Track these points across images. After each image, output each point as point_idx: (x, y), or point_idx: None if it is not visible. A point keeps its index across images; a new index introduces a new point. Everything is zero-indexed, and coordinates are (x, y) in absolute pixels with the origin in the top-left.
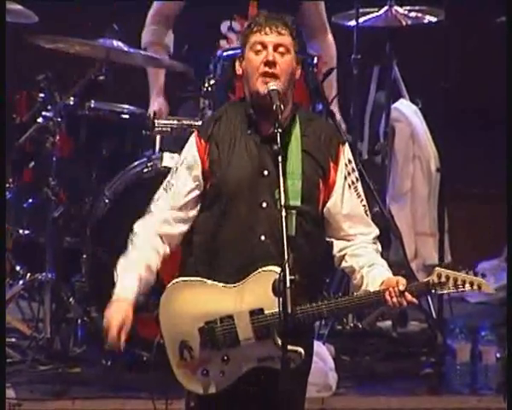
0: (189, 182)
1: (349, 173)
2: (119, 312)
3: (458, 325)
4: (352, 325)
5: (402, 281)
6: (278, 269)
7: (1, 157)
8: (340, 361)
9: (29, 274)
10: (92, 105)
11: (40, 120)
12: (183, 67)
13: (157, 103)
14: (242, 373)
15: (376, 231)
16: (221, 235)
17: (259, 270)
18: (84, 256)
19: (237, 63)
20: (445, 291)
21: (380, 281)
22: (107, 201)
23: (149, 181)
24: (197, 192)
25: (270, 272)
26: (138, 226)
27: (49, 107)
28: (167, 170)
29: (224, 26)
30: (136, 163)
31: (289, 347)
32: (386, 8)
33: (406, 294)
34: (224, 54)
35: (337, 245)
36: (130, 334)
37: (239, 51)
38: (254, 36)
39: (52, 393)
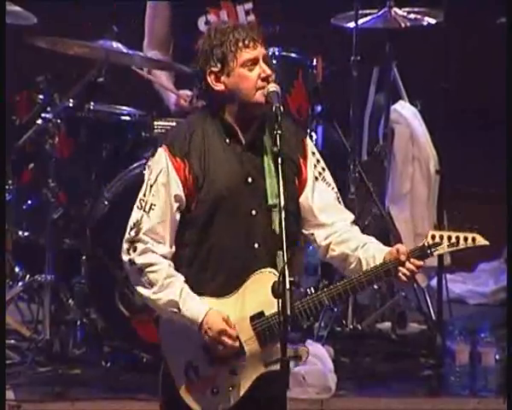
0: (172, 201)
1: (315, 165)
2: (216, 321)
3: (457, 327)
4: (351, 326)
5: (402, 249)
6: (274, 271)
7: (1, 158)
8: (340, 363)
9: (28, 276)
10: (92, 107)
11: (40, 121)
12: (183, 68)
13: (177, 95)
14: (252, 382)
15: (352, 216)
16: (211, 247)
17: (256, 273)
18: (84, 258)
19: (212, 77)
20: (442, 251)
21: (380, 256)
22: (106, 202)
23: None
24: (179, 210)
25: (267, 274)
26: (146, 259)
27: (48, 108)
28: None
29: (200, 23)
30: (135, 164)
31: (291, 349)
32: (385, 9)
33: (411, 260)
34: None
35: (319, 235)
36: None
37: None
38: (244, 53)
39: (52, 394)
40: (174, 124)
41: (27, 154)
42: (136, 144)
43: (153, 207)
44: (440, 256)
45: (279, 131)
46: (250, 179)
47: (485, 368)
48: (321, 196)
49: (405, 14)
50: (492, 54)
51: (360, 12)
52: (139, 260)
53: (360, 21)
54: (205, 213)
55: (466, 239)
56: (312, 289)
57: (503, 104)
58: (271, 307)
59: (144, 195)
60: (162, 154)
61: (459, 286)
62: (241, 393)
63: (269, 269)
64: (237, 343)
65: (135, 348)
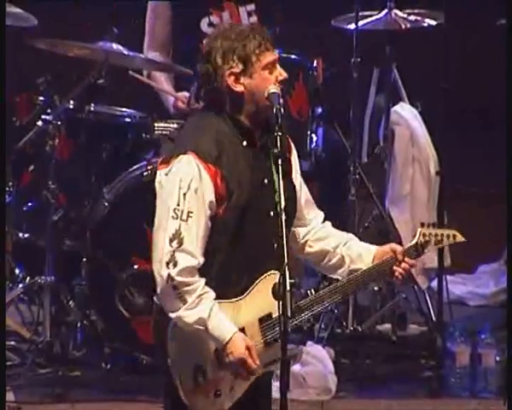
0: (206, 208)
1: (296, 162)
2: (239, 347)
3: (458, 329)
4: (351, 328)
5: (398, 249)
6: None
7: (1, 160)
8: (340, 364)
9: (29, 277)
10: (92, 108)
11: (40, 123)
12: (183, 70)
13: (175, 97)
14: (251, 383)
15: (322, 214)
16: (237, 252)
17: (264, 275)
18: (84, 259)
19: (232, 78)
20: (431, 249)
21: (368, 255)
22: (106, 204)
23: (149, 184)
24: (210, 217)
25: (275, 275)
26: (185, 278)
27: (48, 110)
28: None
29: (203, 24)
30: (135, 166)
31: (290, 348)
32: (385, 11)
33: (406, 260)
34: None
35: (298, 233)
36: (131, 337)
37: None
38: (266, 55)
39: (52, 396)
40: (175, 125)
41: (27, 155)
42: (136, 146)
43: (190, 215)
44: (441, 258)
45: (279, 133)
46: (266, 181)
47: (486, 369)
48: (305, 192)
49: (406, 15)
50: (492, 55)
51: (360, 14)
52: (178, 278)
53: (360, 23)
54: (234, 219)
55: (448, 237)
56: (313, 290)
57: (503, 104)
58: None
59: (178, 204)
60: (192, 160)
61: (459, 288)
62: (240, 394)
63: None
64: (253, 376)
65: (135, 350)
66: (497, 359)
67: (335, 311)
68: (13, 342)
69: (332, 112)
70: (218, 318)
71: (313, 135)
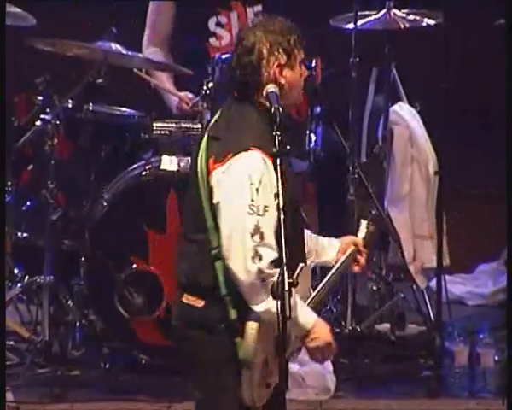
0: (274, 201)
1: None
2: (324, 332)
3: (456, 328)
4: (350, 327)
5: (357, 240)
6: (304, 264)
7: (1, 159)
8: (339, 364)
9: (27, 277)
10: (91, 108)
11: (39, 122)
12: (183, 70)
13: (178, 97)
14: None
15: None
16: (281, 245)
17: (298, 268)
18: (83, 259)
19: (278, 69)
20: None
21: (333, 249)
22: (105, 203)
23: (148, 184)
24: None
25: (305, 268)
26: (272, 270)
27: (47, 110)
28: (166, 173)
29: (211, 23)
30: (134, 166)
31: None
32: (384, 11)
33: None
34: (223, 57)
35: None
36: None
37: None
38: (301, 52)
39: (50, 396)
40: (174, 125)
41: (26, 155)
42: (135, 146)
43: (266, 208)
44: (440, 257)
45: (278, 132)
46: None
47: (485, 369)
48: None
49: (404, 15)
50: (492, 54)
51: (359, 13)
52: (267, 270)
53: (359, 23)
54: (281, 211)
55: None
56: (311, 290)
57: (503, 104)
58: (307, 299)
59: (252, 200)
60: (256, 155)
61: (458, 287)
62: (272, 388)
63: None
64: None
65: (134, 350)
66: (496, 358)
67: (334, 310)
68: (11, 342)
69: (331, 112)
70: (301, 305)
71: (312, 135)
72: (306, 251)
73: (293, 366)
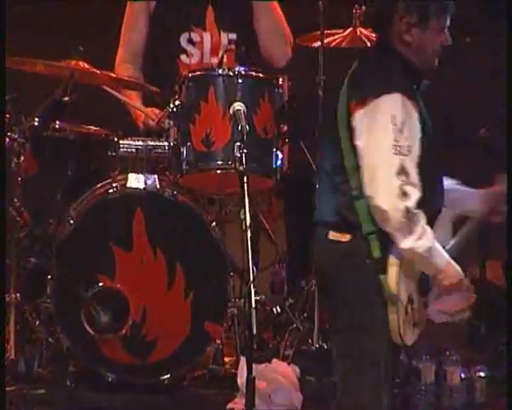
0: (418, 144)
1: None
2: (456, 271)
3: (423, 346)
4: (317, 345)
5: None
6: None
7: (1, 163)
8: (305, 382)
9: None
10: (57, 126)
11: (5, 140)
12: (150, 88)
13: (144, 113)
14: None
15: None
16: (425, 189)
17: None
18: (49, 277)
19: (405, 27)
20: None
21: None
22: (72, 221)
23: (114, 202)
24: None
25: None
26: (417, 208)
27: (14, 128)
28: (133, 190)
29: (183, 39)
30: (101, 184)
31: None
32: (350, 29)
33: None
34: (190, 75)
35: None
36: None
37: (205, 73)
38: (443, 19)
39: None
40: (140, 143)
41: None
42: (102, 163)
43: (409, 149)
44: None
45: (245, 151)
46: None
47: (451, 387)
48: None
49: (370, 33)
50: (459, 70)
51: (326, 32)
52: (414, 209)
53: (326, 41)
54: (424, 156)
55: None
56: (279, 307)
57: (469, 121)
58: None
59: (396, 140)
60: (398, 97)
61: None
62: (420, 330)
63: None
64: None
65: (100, 368)
66: (462, 376)
67: (301, 328)
68: None
69: (297, 130)
70: (439, 246)
71: (278, 152)
72: (449, 200)
73: (260, 384)
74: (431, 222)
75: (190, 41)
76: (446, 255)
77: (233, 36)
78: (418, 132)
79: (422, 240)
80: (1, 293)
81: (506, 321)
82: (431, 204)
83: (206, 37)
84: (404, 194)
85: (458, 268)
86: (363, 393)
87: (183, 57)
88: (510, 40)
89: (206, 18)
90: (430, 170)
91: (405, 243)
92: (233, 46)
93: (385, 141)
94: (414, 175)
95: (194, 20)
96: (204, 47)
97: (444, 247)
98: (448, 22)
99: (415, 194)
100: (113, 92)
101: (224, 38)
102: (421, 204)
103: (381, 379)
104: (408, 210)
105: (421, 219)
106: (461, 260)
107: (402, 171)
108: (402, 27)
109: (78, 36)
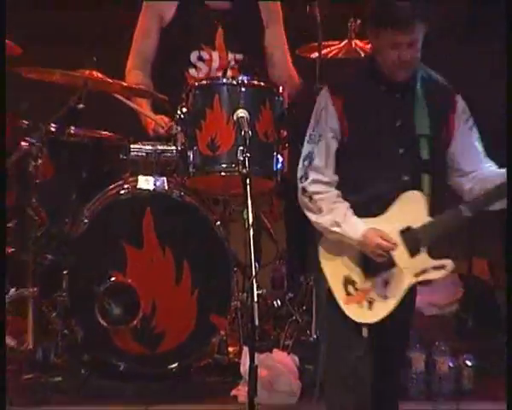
0: (331, 134)
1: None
2: (373, 236)
3: (414, 337)
4: (315, 336)
5: None
6: (419, 192)
7: (1, 163)
8: (304, 370)
9: (13, 289)
10: (72, 131)
11: (24, 144)
12: (159, 96)
13: (154, 120)
14: (402, 294)
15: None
16: (369, 173)
17: (402, 195)
18: (65, 272)
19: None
20: None
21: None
22: (86, 220)
23: (125, 202)
24: (339, 142)
25: (413, 194)
26: (316, 188)
27: (31, 133)
28: (143, 192)
29: (193, 56)
30: (113, 185)
31: None
32: (346, 41)
33: None
34: (196, 84)
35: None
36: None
37: (210, 82)
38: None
39: (34, 401)
40: (150, 147)
41: (11, 176)
42: (114, 166)
43: (320, 137)
44: None
45: (248, 154)
46: (399, 123)
47: (440, 374)
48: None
49: (364, 45)
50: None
51: (324, 43)
52: (310, 188)
53: (323, 52)
54: (361, 144)
55: None
56: (279, 301)
57: None
58: (418, 222)
59: (312, 130)
60: (324, 94)
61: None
62: (393, 304)
63: (414, 191)
64: (391, 253)
65: (112, 357)
66: (450, 365)
67: (299, 320)
68: None
69: (297, 135)
70: (352, 220)
71: (279, 156)
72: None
73: (262, 372)
74: (376, 201)
75: (200, 58)
76: (361, 227)
77: (240, 56)
78: (334, 124)
79: (324, 216)
80: (1, 292)
81: (507, 321)
82: (364, 185)
83: (215, 55)
84: (305, 176)
85: (376, 233)
86: (329, 366)
87: (192, 71)
88: (510, 40)
89: (216, 38)
90: (363, 157)
91: (311, 218)
92: (236, 66)
93: (307, 131)
94: (318, 160)
95: (204, 40)
96: (212, 64)
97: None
98: (407, 39)
99: (313, 175)
100: (125, 100)
101: (232, 58)
102: (339, 185)
103: (340, 352)
104: (304, 190)
105: (328, 197)
106: (450, 257)
107: (307, 156)
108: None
109: (92, 46)
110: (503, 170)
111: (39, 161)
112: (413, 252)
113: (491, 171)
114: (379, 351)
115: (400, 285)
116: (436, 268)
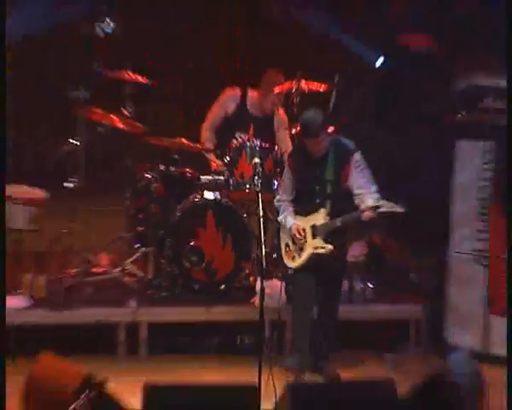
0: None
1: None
2: (296, 228)
3: (344, 273)
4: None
5: None
6: (324, 208)
7: (1, 160)
8: (288, 289)
9: (143, 248)
10: (172, 169)
11: (147, 176)
12: (212, 155)
13: (214, 159)
14: (307, 256)
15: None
16: (300, 199)
17: (316, 209)
18: (168, 240)
19: None
20: None
21: None
22: (178, 213)
23: (198, 205)
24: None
25: (321, 209)
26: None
27: (151, 171)
28: (207, 200)
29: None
30: (192, 196)
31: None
32: (295, 80)
33: None
34: (234, 146)
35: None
36: None
37: (240, 145)
38: None
39: (150, 303)
40: (210, 177)
41: (145, 193)
42: (192, 187)
43: (284, 181)
44: None
45: (260, 181)
46: (317, 173)
47: (356, 292)
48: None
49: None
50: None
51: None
52: (276, 201)
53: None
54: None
55: None
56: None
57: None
58: (320, 222)
59: (281, 177)
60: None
61: None
62: (303, 259)
63: (322, 209)
64: (302, 240)
65: (192, 282)
66: (361, 286)
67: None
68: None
69: (282, 172)
70: (288, 218)
71: (275, 181)
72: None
73: (267, 289)
74: (304, 210)
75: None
76: (290, 221)
77: (253, 93)
78: (290, 175)
79: (280, 216)
80: (1, 292)
81: (507, 321)
82: (300, 202)
83: (252, 93)
84: (277, 195)
85: (296, 225)
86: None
87: (234, 141)
88: (510, 40)
89: (249, 129)
90: (301, 189)
91: (278, 216)
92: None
93: (282, 178)
94: (283, 190)
95: (245, 129)
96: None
97: (315, 224)
98: (315, 141)
99: (280, 196)
100: (205, 153)
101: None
102: (294, 197)
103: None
104: (277, 201)
105: (283, 206)
106: (348, 240)
107: (279, 187)
108: None
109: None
110: (370, 202)
111: (156, 185)
112: (314, 237)
113: (366, 199)
114: (322, 285)
115: (306, 251)
116: (322, 247)
